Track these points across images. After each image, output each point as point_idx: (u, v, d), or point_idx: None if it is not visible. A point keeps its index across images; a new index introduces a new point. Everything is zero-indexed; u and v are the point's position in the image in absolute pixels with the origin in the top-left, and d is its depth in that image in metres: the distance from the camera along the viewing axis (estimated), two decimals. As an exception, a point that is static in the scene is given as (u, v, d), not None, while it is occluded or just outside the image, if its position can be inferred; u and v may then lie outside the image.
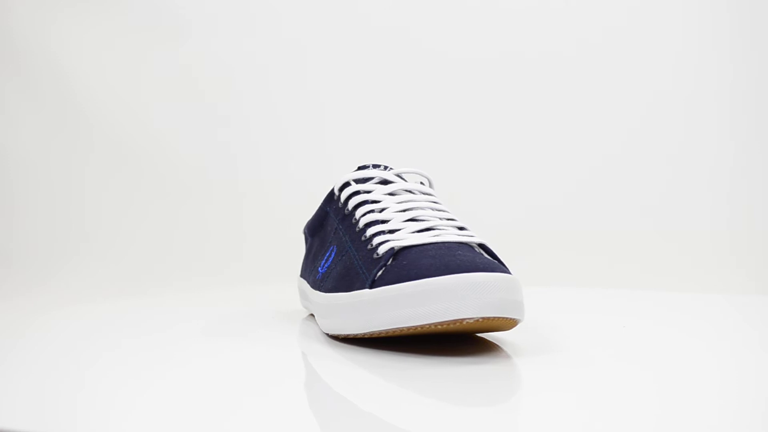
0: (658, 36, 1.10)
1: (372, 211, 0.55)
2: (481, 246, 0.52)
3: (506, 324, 0.49)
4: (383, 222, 0.54)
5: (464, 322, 0.46)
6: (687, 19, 1.10)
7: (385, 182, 0.57)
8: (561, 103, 1.10)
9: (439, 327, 0.47)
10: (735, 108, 1.07)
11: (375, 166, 0.59)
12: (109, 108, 1.12)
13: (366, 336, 0.51)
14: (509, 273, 0.49)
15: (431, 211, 0.54)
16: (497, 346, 0.52)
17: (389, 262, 0.50)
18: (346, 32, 1.15)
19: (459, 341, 0.53)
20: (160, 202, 1.08)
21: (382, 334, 0.49)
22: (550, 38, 1.11)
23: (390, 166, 0.59)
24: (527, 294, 0.50)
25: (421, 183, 0.59)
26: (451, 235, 0.51)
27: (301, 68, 1.14)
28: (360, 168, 0.59)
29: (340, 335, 0.53)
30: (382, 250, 0.51)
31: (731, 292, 0.84)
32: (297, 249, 0.72)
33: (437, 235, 0.51)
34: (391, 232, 0.53)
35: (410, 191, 0.56)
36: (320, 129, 1.13)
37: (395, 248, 0.51)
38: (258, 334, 0.59)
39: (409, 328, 0.47)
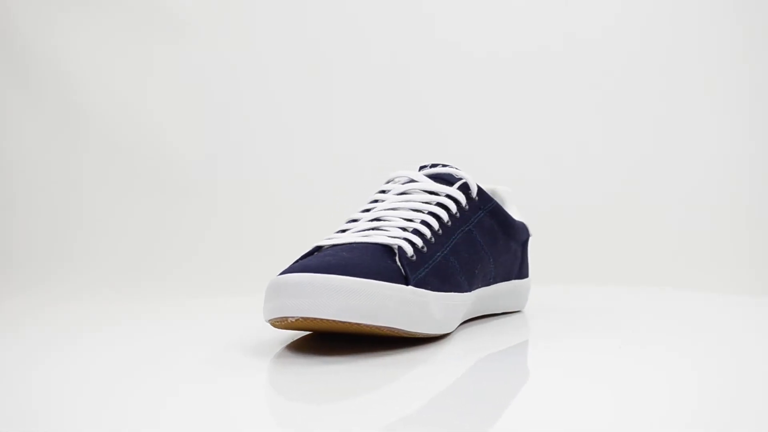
0: (664, 38, 1.09)
1: (366, 210, 0.56)
2: (399, 248, 0.50)
3: (345, 327, 0.47)
4: (354, 221, 0.55)
5: (289, 321, 0.47)
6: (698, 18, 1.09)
7: (411, 181, 0.57)
8: (562, 103, 1.10)
9: (279, 324, 0.48)
10: (737, 106, 1.06)
11: (433, 166, 0.58)
12: (110, 108, 1.12)
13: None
14: (382, 279, 0.47)
15: (411, 212, 0.54)
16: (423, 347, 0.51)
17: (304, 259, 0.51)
18: (349, 29, 1.14)
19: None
20: (161, 202, 1.07)
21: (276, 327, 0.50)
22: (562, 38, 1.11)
23: (450, 165, 0.58)
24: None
25: (465, 184, 0.57)
26: (381, 237, 0.51)
27: (304, 66, 1.13)
28: (421, 168, 0.59)
29: None
30: (312, 246, 0.53)
31: (732, 293, 0.83)
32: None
33: (367, 236, 0.51)
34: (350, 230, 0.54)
35: (431, 192, 0.56)
36: (328, 128, 1.12)
37: (325, 246, 0.52)
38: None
39: (272, 323, 0.49)
